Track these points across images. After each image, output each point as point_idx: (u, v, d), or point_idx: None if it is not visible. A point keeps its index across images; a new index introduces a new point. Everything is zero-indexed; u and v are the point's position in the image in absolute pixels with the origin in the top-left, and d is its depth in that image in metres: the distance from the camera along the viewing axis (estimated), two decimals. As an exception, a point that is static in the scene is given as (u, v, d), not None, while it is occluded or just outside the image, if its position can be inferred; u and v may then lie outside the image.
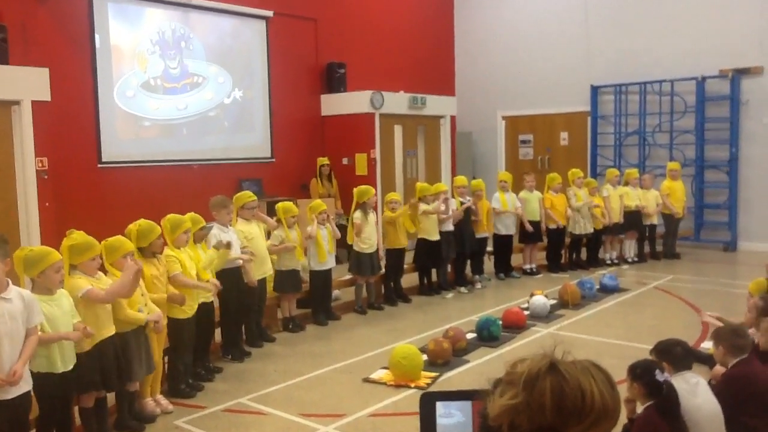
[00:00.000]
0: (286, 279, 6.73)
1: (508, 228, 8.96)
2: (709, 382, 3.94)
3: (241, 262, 5.90)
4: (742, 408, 3.55)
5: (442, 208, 8.01)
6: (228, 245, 5.53)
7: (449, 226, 8.21)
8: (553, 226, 9.24)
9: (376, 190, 9.66)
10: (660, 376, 3.17)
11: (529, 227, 9.01)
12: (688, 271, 9.29)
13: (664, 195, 9.98)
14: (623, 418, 3.42)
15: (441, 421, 1.57)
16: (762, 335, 3.99)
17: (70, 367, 3.88)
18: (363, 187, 7.64)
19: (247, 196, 6.34)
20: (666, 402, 3.17)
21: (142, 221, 4.73)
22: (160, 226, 4.94)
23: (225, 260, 5.59)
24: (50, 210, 7.13)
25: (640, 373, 3.24)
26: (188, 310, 5.05)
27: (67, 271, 4.01)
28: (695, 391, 3.39)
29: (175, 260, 4.97)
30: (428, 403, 1.59)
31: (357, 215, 7.43)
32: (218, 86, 9.75)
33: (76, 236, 4.13)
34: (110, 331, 4.18)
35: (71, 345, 3.89)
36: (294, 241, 6.65)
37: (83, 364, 3.99)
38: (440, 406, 1.58)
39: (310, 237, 6.85)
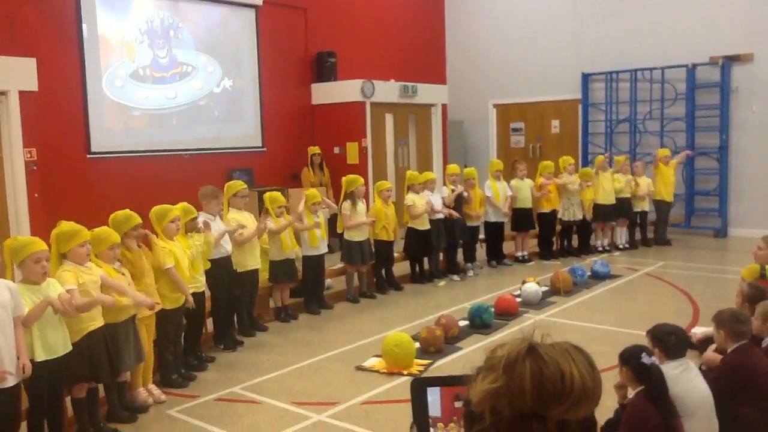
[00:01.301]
0: (280, 269, 6.69)
1: (498, 215, 8.97)
2: (700, 368, 3.97)
3: (230, 248, 5.91)
4: (737, 395, 3.57)
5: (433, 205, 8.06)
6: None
7: (440, 215, 8.21)
8: (546, 209, 9.25)
9: (367, 179, 9.69)
10: (646, 360, 3.19)
11: (507, 212, 8.95)
12: (679, 258, 9.33)
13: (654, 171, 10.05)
14: (614, 403, 3.44)
15: None
16: (755, 320, 4.01)
17: (56, 356, 3.85)
18: (351, 176, 7.62)
19: (239, 184, 6.32)
20: (654, 387, 3.18)
21: (119, 212, 4.70)
22: (149, 216, 4.92)
23: (212, 245, 5.55)
24: (39, 201, 7.09)
25: (627, 356, 3.26)
26: (174, 301, 5.03)
27: (54, 260, 3.99)
28: (685, 377, 3.40)
29: (168, 252, 4.94)
30: (419, 388, 1.61)
31: (345, 206, 7.41)
32: (207, 75, 9.69)
33: (63, 225, 4.13)
34: (99, 322, 4.16)
35: (57, 333, 3.86)
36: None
37: (72, 355, 3.96)
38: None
39: (300, 217, 6.81)
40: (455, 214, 8.24)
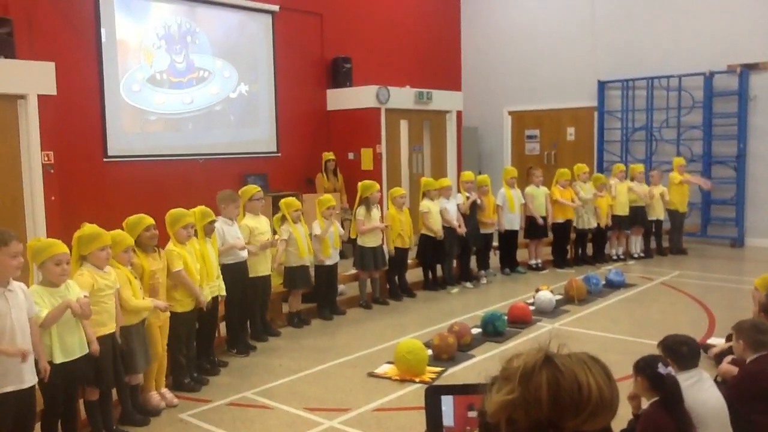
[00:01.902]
0: (297, 274, 6.71)
1: (512, 224, 8.93)
2: (715, 379, 3.93)
3: (245, 254, 5.93)
4: (753, 404, 3.54)
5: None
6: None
7: (453, 222, 8.19)
8: (560, 219, 9.22)
9: (381, 185, 9.69)
10: (662, 369, 3.16)
11: (539, 220, 8.98)
12: (695, 267, 9.25)
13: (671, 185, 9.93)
14: (629, 414, 3.40)
15: None
16: None
17: (73, 358, 3.87)
18: (367, 181, 7.61)
19: (253, 188, 6.35)
20: (669, 396, 3.15)
21: (131, 216, 4.74)
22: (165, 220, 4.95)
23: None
24: (56, 204, 7.15)
25: (643, 366, 3.23)
26: (186, 305, 5.05)
27: (74, 262, 4.02)
28: (700, 387, 3.37)
29: (177, 255, 4.95)
30: (433, 396, 1.60)
31: (360, 212, 7.41)
32: (224, 80, 9.75)
33: (87, 227, 4.16)
34: (109, 328, 4.16)
35: (74, 336, 3.88)
36: (300, 234, 6.65)
37: (83, 358, 3.97)
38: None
39: (320, 237, 6.83)
40: (462, 230, 8.19)
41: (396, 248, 7.73)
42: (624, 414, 3.38)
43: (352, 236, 7.52)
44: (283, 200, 6.80)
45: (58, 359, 3.79)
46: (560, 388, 1.19)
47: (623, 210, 9.59)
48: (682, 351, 3.47)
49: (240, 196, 6.18)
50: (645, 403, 3.30)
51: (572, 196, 9.25)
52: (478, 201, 8.48)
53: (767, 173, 10.62)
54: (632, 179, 9.90)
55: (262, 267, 6.20)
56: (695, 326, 6.13)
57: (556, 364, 1.22)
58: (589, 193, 9.30)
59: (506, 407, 1.22)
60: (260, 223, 6.25)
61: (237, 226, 5.95)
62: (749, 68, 10.56)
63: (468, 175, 8.69)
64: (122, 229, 4.57)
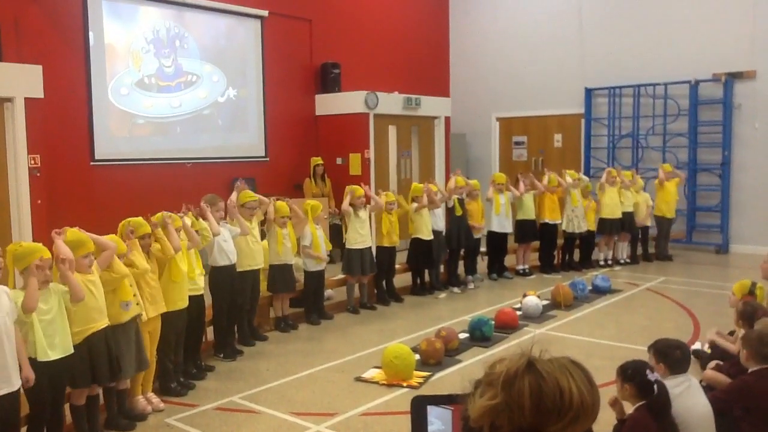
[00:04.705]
0: (278, 276, 6.67)
1: (503, 226, 8.95)
2: (701, 383, 3.96)
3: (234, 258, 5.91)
4: (746, 414, 3.57)
5: (426, 200, 8.03)
6: None
7: (441, 226, 8.21)
8: (548, 219, 9.28)
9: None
10: (651, 376, 3.18)
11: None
12: (680, 273, 9.32)
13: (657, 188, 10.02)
14: (612, 419, 3.43)
15: None
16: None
17: (60, 356, 3.84)
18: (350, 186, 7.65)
19: (249, 195, 6.34)
20: (657, 402, 3.17)
21: (131, 218, 4.74)
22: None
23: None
24: (42, 207, 7.10)
25: (632, 374, 3.22)
26: (179, 303, 5.03)
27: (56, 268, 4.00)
28: (687, 392, 3.40)
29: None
30: (419, 406, 1.60)
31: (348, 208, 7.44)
32: (212, 85, 9.74)
33: (69, 233, 4.13)
34: (100, 324, 4.15)
35: (61, 331, 3.86)
36: (283, 236, 6.66)
37: (73, 358, 3.96)
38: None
39: (306, 247, 6.86)
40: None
41: (384, 247, 7.75)
42: (607, 418, 3.40)
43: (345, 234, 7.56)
44: (275, 203, 6.79)
45: (43, 357, 3.75)
46: (542, 393, 1.21)
47: (614, 213, 9.62)
48: (675, 355, 3.48)
49: (239, 200, 6.19)
50: (628, 407, 3.32)
51: (557, 199, 9.34)
52: (465, 196, 8.51)
53: (751, 181, 10.74)
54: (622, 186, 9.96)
55: (246, 262, 6.18)
56: (680, 331, 6.18)
57: (539, 370, 1.23)
58: (578, 200, 9.34)
59: (489, 412, 1.23)
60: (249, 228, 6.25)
61: (226, 227, 5.93)
62: (734, 77, 10.68)
63: (460, 181, 8.70)
64: (113, 232, 4.55)
